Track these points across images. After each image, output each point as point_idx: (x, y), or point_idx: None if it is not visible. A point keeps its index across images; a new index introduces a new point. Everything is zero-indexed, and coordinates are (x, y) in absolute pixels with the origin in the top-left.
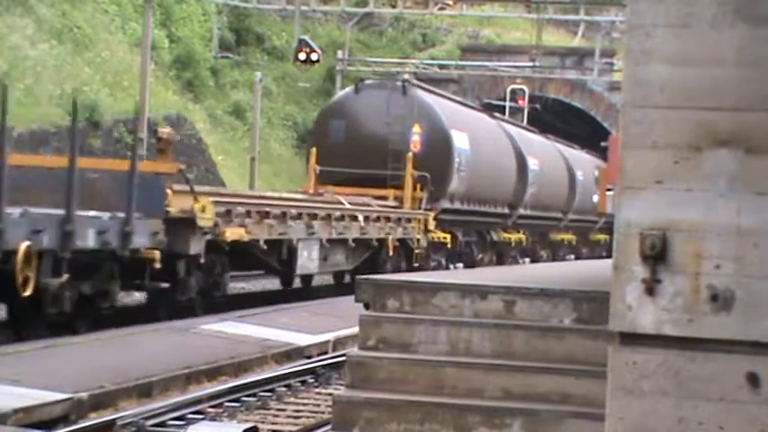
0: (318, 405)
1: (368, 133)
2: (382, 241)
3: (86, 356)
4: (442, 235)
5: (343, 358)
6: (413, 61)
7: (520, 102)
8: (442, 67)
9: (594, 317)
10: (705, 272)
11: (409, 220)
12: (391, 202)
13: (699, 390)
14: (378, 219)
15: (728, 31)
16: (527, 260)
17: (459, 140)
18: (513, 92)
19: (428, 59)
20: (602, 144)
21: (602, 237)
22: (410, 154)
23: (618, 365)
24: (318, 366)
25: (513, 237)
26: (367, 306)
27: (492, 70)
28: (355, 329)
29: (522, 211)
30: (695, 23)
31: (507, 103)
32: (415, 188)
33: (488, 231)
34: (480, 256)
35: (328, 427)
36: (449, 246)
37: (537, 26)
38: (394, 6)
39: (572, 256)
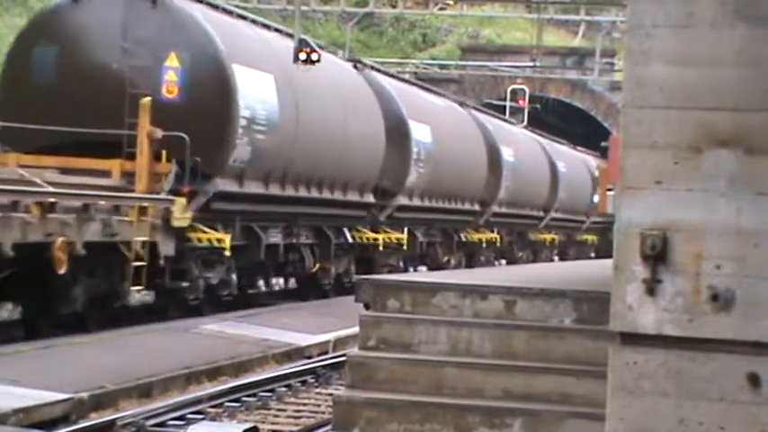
0: (318, 405)
1: (93, 68)
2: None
3: (86, 356)
4: (396, 236)
5: (344, 358)
6: (413, 61)
7: (520, 102)
8: (442, 67)
9: (595, 317)
10: (705, 272)
11: (120, 209)
12: (111, 181)
13: (699, 390)
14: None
15: (728, 32)
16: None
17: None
18: (514, 92)
19: (428, 59)
20: (603, 144)
21: (589, 237)
22: (146, 100)
23: (618, 365)
24: (319, 366)
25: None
26: (367, 306)
27: (492, 70)
28: (355, 329)
29: (495, 208)
30: (695, 24)
31: (508, 103)
32: (159, 158)
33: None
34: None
35: (328, 427)
36: (405, 247)
37: (537, 26)
38: (394, 6)
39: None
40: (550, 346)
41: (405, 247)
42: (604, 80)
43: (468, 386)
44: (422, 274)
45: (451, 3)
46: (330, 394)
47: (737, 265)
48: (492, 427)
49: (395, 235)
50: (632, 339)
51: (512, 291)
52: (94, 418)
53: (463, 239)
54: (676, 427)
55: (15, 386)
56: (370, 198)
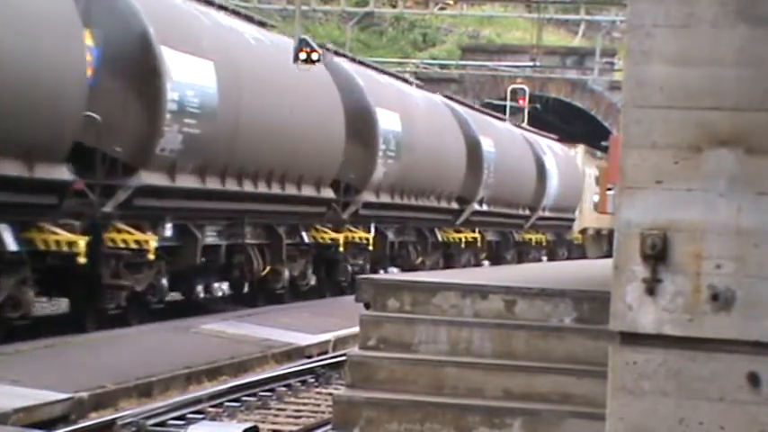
0: (318, 405)
1: None
2: None
3: (86, 356)
4: (361, 234)
5: (344, 358)
6: (413, 61)
7: (520, 101)
8: (442, 66)
9: (595, 317)
10: (705, 272)
11: None
12: None
13: (699, 390)
14: None
15: (728, 32)
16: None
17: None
18: (514, 92)
19: (428, 59)
20: (603, 144)
21: (580, 236)
22: None
23: (618, 365)
24: (318, 366)
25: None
26: (367, 306)
27: (492, 70)
28: (355, 329)
29: (476, 206)
30: (695, 23)
31: (508, 103)
32: None
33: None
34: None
35: (328, 426)
36: (371, 247)
37: (537, 26)
38: (394, 6)
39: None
40: (550, 345)
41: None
42: (604, 80)
43: (468, 386)
44: (422, 274)
45: (451, 2)
46: (330, 394)
47: (737, 264)
48: (492, 427)
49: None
50: (632, 339)
51: (512, 290)
52: (94, 418)
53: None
54: (676, 427)
55: (15, 386)
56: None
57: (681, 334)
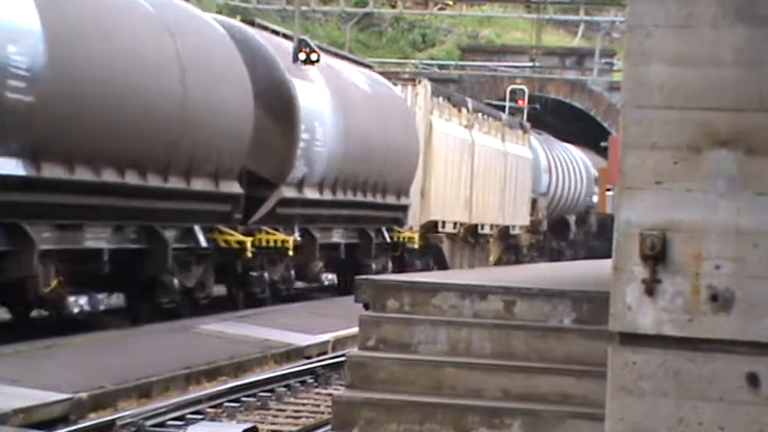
0: (318, 405)
1: None
2: None
3: (86, 356)
4: (278, 237)
5: (343, 358)
6: (413, 61)
7: (520, 102)
8: (441, 67)
9: (594, 317)
10: (705, 272)
11: None
12: None
13: (699, 390)
14: None
15: (728, 32)
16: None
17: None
18: (513, 92)
19: (428, 59)
20: (602, 144)
21: (415, 236)
22: None
23: (618, 366)
24: (318, 367)
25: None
26: (367, 306)
27: (492, 70)
28: (355, 330)
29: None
30: (695, 24)
31: (507, 103)
32: None
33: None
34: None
35: (328, 427)
36: (290, 252)
37: (537, 26)
38: (394, 6)
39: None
40: (550, 346)
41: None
42: (604, 80)
43: (467, 386)
44: (421, 274)
45: (451, 3)
46: (329, 394)
47: (737, 265)
48: (491, 428)
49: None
50: (632, 339)
51: (511, 291)
52: (94, 419)
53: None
54: (676, 427)
55: (15, 386)
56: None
57: (680, 334)
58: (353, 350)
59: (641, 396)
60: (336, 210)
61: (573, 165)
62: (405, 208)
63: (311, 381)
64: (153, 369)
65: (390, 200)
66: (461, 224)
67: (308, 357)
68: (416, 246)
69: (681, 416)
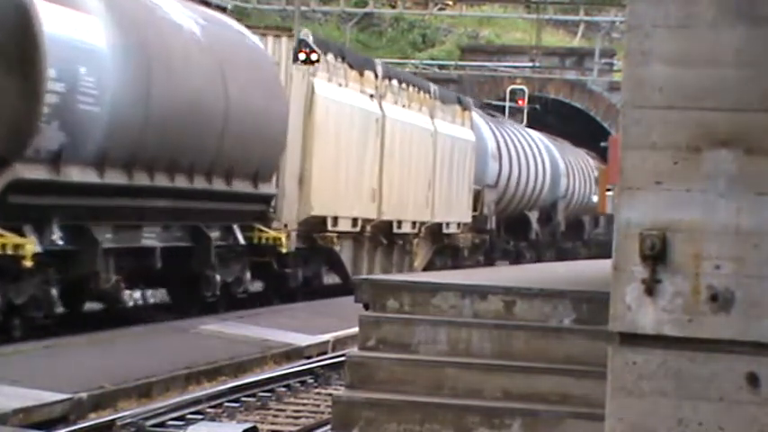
0: (318, 405)
1: None
2: None
3: (86, 356)
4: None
5: (343, 358)
6: (413, 61)
7: (519, 102)
8: (441, 67)
9: (594, 317)
10: (705, 272)
11: None
12: None
13: (699, 390)
14: None
15: (728, 32)
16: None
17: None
18: (513, 92)
19: (428, 60)
20: (602, 144)
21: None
22: None
23: (618, 366)
24: (318, 367)
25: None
26: (367, 306)
27: (492, 70)
28: (355, 329)
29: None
30: (695, 24)
31: (507, 104)
32: None
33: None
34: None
35: (328, 427)
36: (28, 262)
37: (537, 26)
38: (394, 6)
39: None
40: (550, 346)
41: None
42: (603, 80)
43: (467, 386)
44: (421, 275)
45: (451, 3)
46: (329, 394)
47: (737, 265)
48: (491, 428)
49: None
50: (631, 339)
51: (511, 291)
52: (94, 419)
53: (243, 242)
54: (676, 428)
55: (15, 386)
56: None
57: (680, 334)
58: (353, 350)
59: (641, 396)
60: (143, 200)
61: (532, 151)
62: (268, 199)
63: (311, 381)
64: (153, 369)
65: (241, 187)
66: (366, 221)
67: (308, 357)
68: (285, 249)
69: (681, 416)
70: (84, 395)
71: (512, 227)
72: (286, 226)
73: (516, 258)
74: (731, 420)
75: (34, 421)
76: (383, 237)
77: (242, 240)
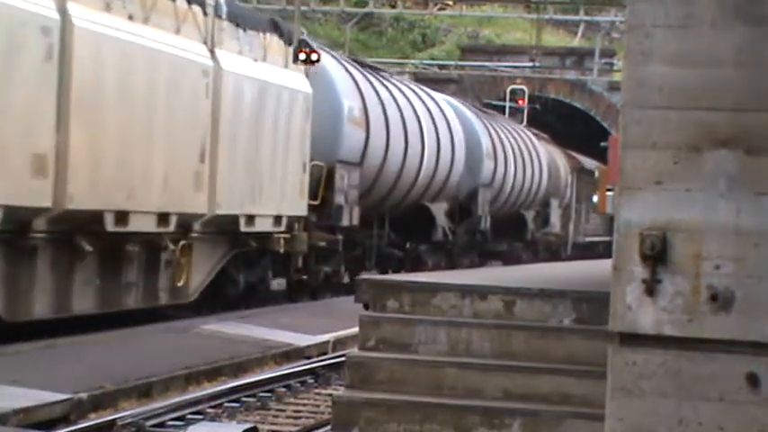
0: (318, 405)
1: None
2: None
3: (86, 356)
4: None
5: (343, 359)
6: (413, 61)
7: (520, 102)
8: (441, 67)
9: (594, 317)
10: (705, 272)
11: None
12: None
13: (699, 390)
14: None
15: (728, 32)
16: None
17: None
18: (513, 92)
19: (428, 59)
20: (602, 144)
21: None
22: None
23: (618, 366)
24: (318, 367)
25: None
26: (367, 306)
27: (492, 70)
28: (355, 330)
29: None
30: (695, 24)
31: (507, 104)
32: None
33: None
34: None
35: (328, 427)
36: None
37: (537, 26)
38: (394, 6)
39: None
40: (550, 346)
41: None
42: (603, 80)
43: (467, 386)
44: (421, 275)
45: (451, 3)
46: (329, 394)
47: (737, 265)
48: (491, 428)
49: None
50: (631, 340)
51: (511, 291)
52: (94, 419)
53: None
54: (675, 428)
55: (15, 386)
56: None
57: (680, 334)
58: (353, 350)
59: (641, 396)
60: None
61: (433, 124)
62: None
63: (311, 381)
64: (153, 369)
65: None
66: (32, 212)
67: (308, 357)
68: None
69: (681, 416)
70: (84, 395)
71: (408, 225)
72: None
73: (414, 266)
74: (731, 420)
75: (34, 421)
76: (84, 240)
77: None
